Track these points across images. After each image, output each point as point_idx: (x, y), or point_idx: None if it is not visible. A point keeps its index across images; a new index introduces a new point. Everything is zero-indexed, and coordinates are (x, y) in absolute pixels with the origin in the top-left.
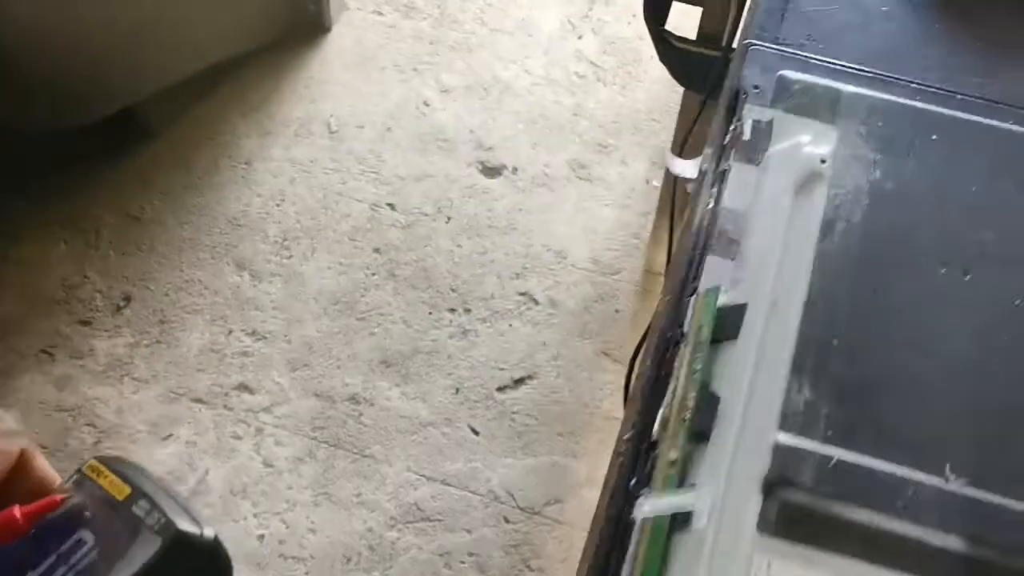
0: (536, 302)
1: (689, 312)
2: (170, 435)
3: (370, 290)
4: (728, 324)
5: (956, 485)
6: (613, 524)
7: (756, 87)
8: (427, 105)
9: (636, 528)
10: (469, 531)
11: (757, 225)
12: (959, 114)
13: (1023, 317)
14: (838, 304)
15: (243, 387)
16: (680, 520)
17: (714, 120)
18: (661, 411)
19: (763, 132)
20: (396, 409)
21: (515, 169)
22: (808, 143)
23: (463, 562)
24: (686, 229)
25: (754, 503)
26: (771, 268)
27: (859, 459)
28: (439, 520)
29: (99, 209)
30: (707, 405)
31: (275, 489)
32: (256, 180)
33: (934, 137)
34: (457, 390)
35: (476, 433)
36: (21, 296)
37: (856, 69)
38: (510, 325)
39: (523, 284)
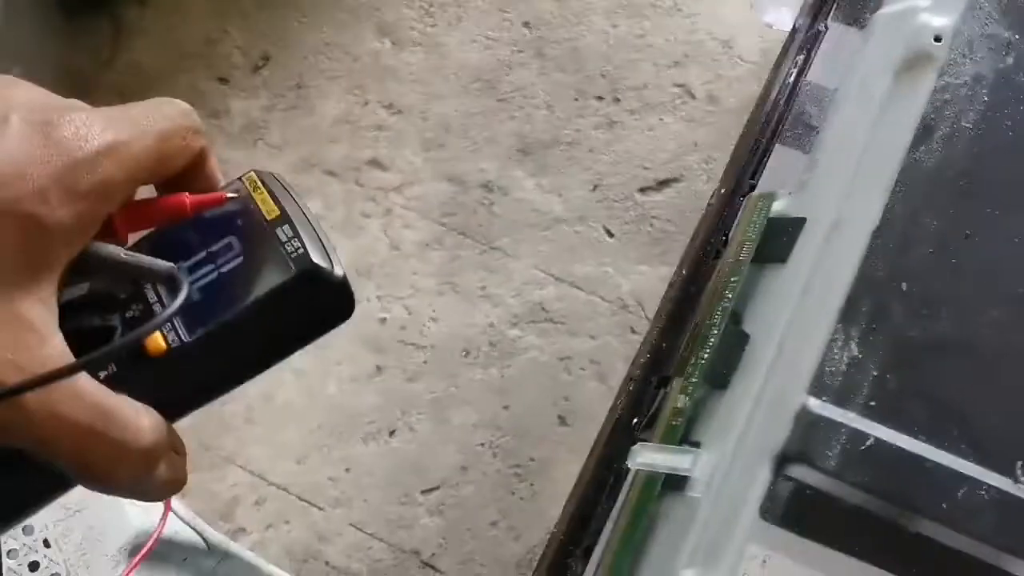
0: (693, 96)
1: (738, 217)
2: None
3: (515, 69)
4: (778, 242)
5: None
6: (606, 465)
7: None
8: None
9: (629, 477)
10: (593, 337)
11: (843, 113)
12: None
13: None
14: (917, 237)
15: (375, 163)
16: (676, 482)
17: None
18: (684, 340)
19: None
20: (529, 201)
21: None
22: (927, 7)
23: (583, 369)
24: (759, 103)
25: (762, 480)
26: (845, 176)
27: (904, 442)
28: (563, 323)
29: None
30: (732, 345)
31: (400, 273)
32: None
33: None
34: (595, 187)
35: (611, 235)
36: (161, 47)
37: None
38: (661, 119)
39: (681, 74)
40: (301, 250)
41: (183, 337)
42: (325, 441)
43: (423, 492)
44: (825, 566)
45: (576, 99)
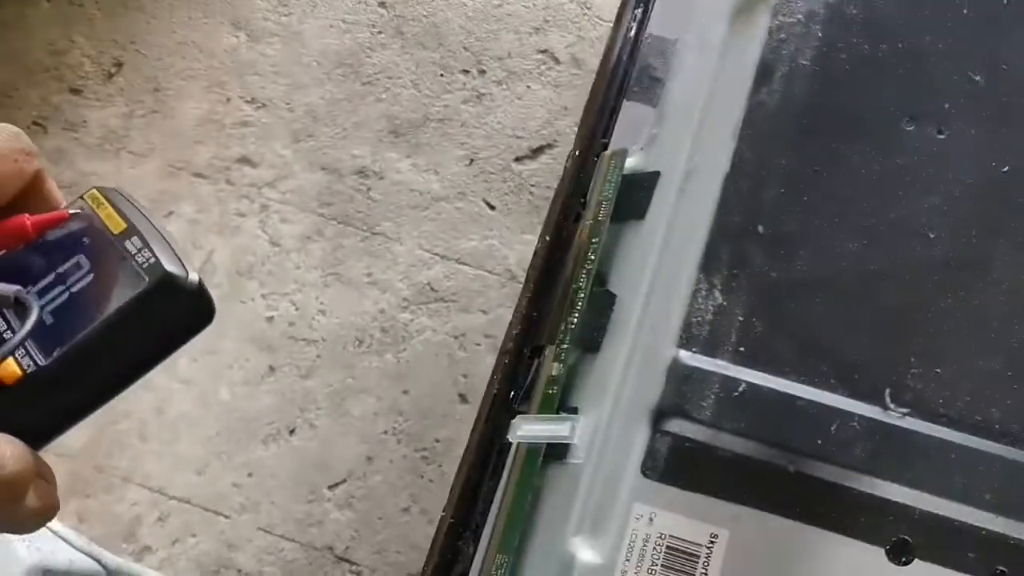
0: (557, 60)
1: (593, 178)
2: (171, 212)
3: (376, 50)
4: (635, 198)
5: (895, 416)
6: (488, 442)
7: None
8: None
9: (512, 451)
10: (485, 312)
11: (686, 63)
12: None
13: (1010, 188)
14: (768, 179)
15: (245, 160)
16: (558, 451)
17: None
18: (553, 307)
19: None
20: (407, 183)
21: None
22: None
23: (479, 344)
24: (604, 62)
25: (641, 439)
26: (692, 126)
27: (775, 383)
28: (453, 300)
29: None
30: (600, 307)
31: (282, 269)
32: None
33: None
34: (471, 161)
35: (492, 208)
36: (5, 62)
37: None
38: (528, 87)
39: (543, 40)
40: (152, 260)
41: (39, 361)
42: (224, 448)
43: (330, 487)
44: (711, 516)
45: (441, 75)
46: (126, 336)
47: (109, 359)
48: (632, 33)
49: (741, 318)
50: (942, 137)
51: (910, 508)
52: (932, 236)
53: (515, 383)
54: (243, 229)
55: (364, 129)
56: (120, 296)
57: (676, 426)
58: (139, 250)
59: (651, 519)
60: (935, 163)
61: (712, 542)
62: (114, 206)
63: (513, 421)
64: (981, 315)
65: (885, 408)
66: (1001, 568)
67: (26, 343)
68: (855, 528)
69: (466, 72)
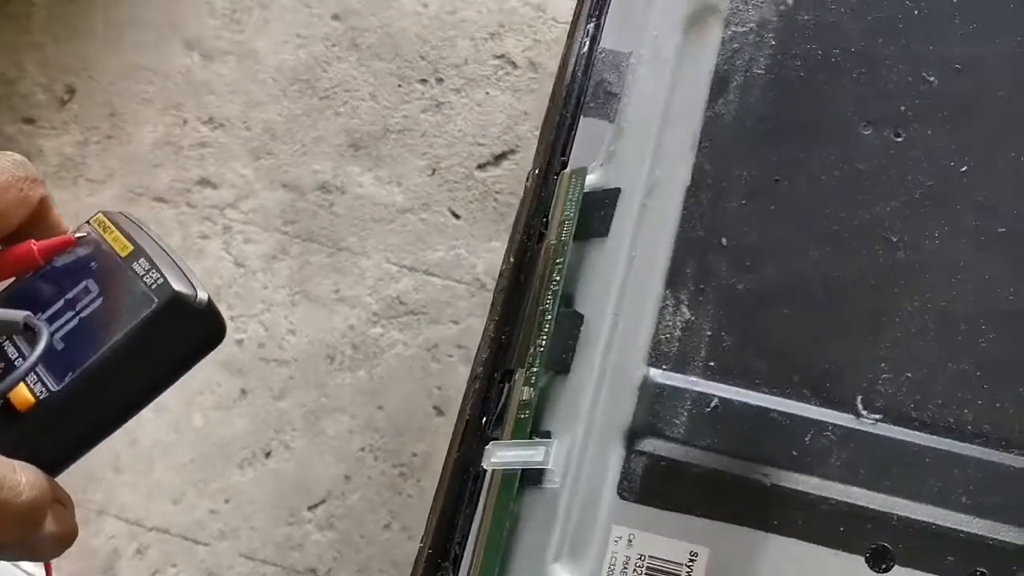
0: (514, 65)
1: (554, 197)
2: None
3: (332, 64)
4: (597, 216)
5: (868, 423)
6: (462, 469)
7: None
8: None
9: (487, 478)
10: (456, 322)
11: (641, 77)
12: None
13: (970, 188)
14: (729, 190)
15: (205, 182)
16: (533, 476)
17: None
18: (520, 330)
19: None
20: (370, 196)
21: None
22: None
23: (451, 355)
24: (558, 78)
25: (615, 460)
26: (651, 140)
27: (747, 397)
28: (423, 313)
29: None
30: (568, 328)
31: (249, 290)
32: None
33: None
34: (434, 171)
35: (457, 217)
36: None
37: None
38: (487, 94)
39: (499, 46)
40: (161, 280)
41: (51, 387)
42: (199, 475)
43: (310, 508)
44: (690, 534)
45: (399, 85)
46: (138, 358)
47: (122, 382)
48: (585, 48)
49: (710, 333)
50: (900, 140)
51: (888, 514)
52: (895, 240)
53: (487, 408)
54: (207, 252)
55: (324, 144)
56: (130, 318)
57: (650, 445)
58: (147, 271)
59: (630, 541)
60: (894, 166)
61: (692, 560)
62: (120, 229)
63: (487, 448)
64: (948, 317)
65: (858, 415)
66: (980, 569)
67: (38, 369)
68: (834, 538)
69: (424, 81)
